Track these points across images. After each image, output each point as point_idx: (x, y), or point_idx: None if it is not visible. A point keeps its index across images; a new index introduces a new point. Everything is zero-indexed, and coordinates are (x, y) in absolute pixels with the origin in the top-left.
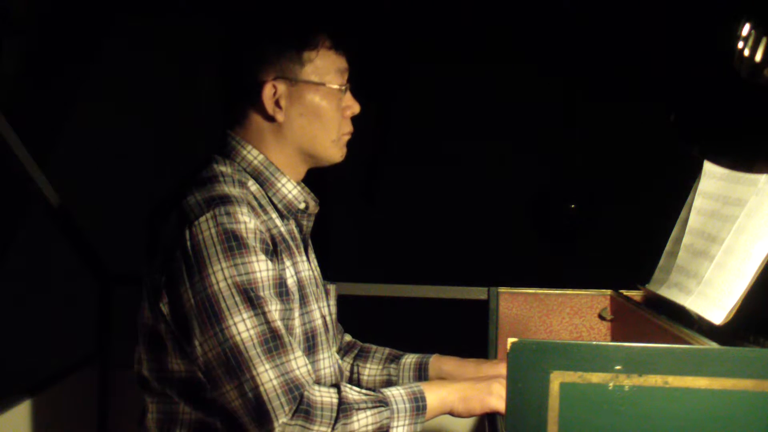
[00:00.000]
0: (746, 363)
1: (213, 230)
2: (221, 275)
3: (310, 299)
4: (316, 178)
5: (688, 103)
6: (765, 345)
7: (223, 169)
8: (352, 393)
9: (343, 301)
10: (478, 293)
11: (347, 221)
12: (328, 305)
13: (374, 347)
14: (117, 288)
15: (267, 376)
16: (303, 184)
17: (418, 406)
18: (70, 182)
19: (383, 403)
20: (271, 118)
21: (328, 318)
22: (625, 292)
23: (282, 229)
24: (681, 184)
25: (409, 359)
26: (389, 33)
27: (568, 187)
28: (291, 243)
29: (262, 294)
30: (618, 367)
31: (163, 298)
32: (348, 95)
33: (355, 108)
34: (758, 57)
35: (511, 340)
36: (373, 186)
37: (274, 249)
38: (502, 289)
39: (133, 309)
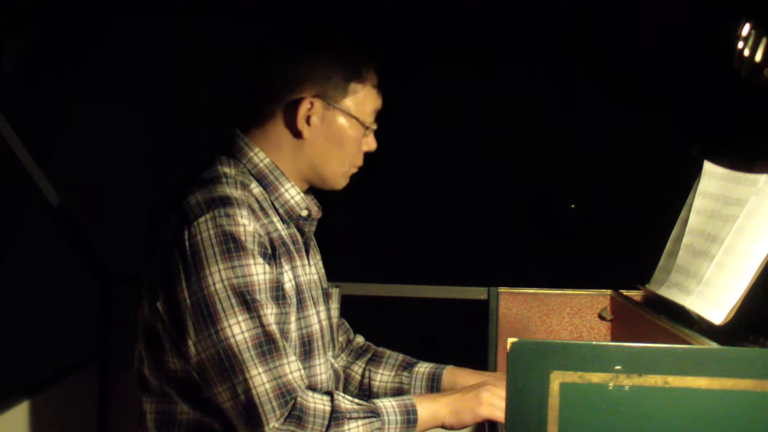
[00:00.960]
0: (746, 363)
1: (212, 231)
2: (218, 277)
3: (308, 304)
4: None
5: (688, 103)
6: (765, 345)
7: (226, 170)
8: (344, 402)
9: (343, 301)
10: (478, 293)
11: (348, 221)
12: (328, 309)
13: (388, 352)
14: (117, 288)
15: (260, 379)
16: (307, 192)
17: (410, 419)
18: (70, 182)
19: (375, 413)
20: (297, 132)
21: (325, 323)
22: (625, 292)
23: (283, 232)
24: (681, 184)
25: (423, 368)
26: (389, 33)
27: (568, 187)
28: (291, 247)
29: (258, 297)
30: (618, 367)
31: (160, 297)
32: (371, 134)
33: (373, 146)
34: (758, 57)
35: (511, 340)
36: (373, 186)
37: (272, 253)
38: (502, 289)
39: (133, 309)
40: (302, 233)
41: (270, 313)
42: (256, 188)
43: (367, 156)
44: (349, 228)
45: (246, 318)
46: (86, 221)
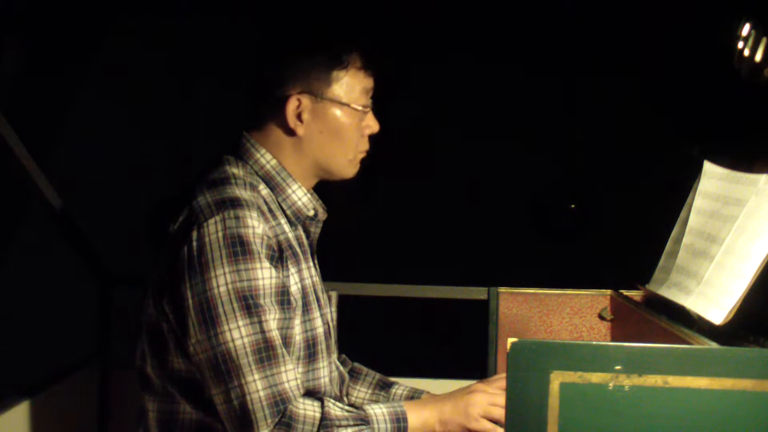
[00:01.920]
0: (746, 363)
1: (220, 233)
2: (222, 279)
3: (312, 306)
4: None
5: (688, 103)
6: (765, 345)
7: (235, 171)
8: (335, 409)
9: (343, 301)
10: (478, 293)
11: (347, 221)
12: (330, 312)
13: (365, 369)
14: (117, 288)
15: (255, 386)
16: (313, 192)
17: (400, 426)
18: (70, 182)
19: (365, 421)
20: (291, 131)
21: (330, 325)
22: (625, 292)
23: (290, 235)
24: (681, 184)
25: (400, 390)
26: (389, 33)
27: (568, 187)
28: (298, 249)
29: (261, 302)
30: (618, 367)
31: (166, 296)
32: (369, 114)
33: (375, 127)
34: (758, 57)
35: (511, 340)
36: (373, 186)
37: (280, 255)
38: (502, 289)
39: (133, 309)
40: (308, 235)
41: (272, 318)
42: (264, 189)
43: (367, 155)
44: (348, 228)
45: (247, 323)
46: (86, 221)
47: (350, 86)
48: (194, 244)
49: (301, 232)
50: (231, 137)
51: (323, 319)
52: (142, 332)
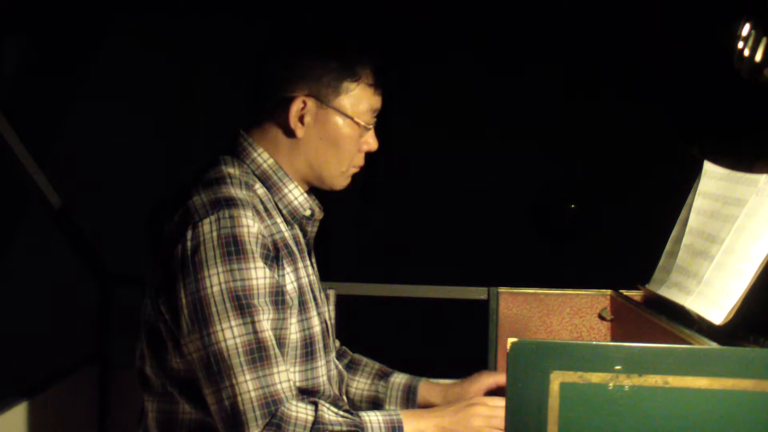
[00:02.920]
0: (746, 363)
1: (214, 233)
2: (216, 279)
3: (309, 305)
4: None
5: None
6: (765, 345)
7: (231, 170)
8: (328, 413)
9: (343, 301)
10: (478, 293)
11: (346, 221)
12: (329, 310)
13: (364, 360)
14: (117, 288)
15: (246, 386)
16: (309, 191)
17: None
18: (70, 182)
19: (359, 428)
20: (290, 132)
21: (327, 323)
22: (625, 292)
23: (286, 234)
24: (681, 184)
25: (398, 379)
26: (389, 33)
27: (568, 187)
28: (294, 248)
29: (254, 302)
30: (618, 367)
31: (162, 296)
32: (370, 132)
33: (374, 146)
34: (758, 57)
35: (511, 340)
36: (373, 186)
37: (275, 254)
38: (502, 289)
39: (133, 309)
40: (304, 234)
41: (266, 318)
42: (260, 189)
43: (367, 155)
44: (348, 228)
45: (239, 323)
46: (86, 221)
47: (357, 100)
48: (188, 243)
49: (297, 231)
50: (229, 137)
51: (320, 317)
52: (142, 332)
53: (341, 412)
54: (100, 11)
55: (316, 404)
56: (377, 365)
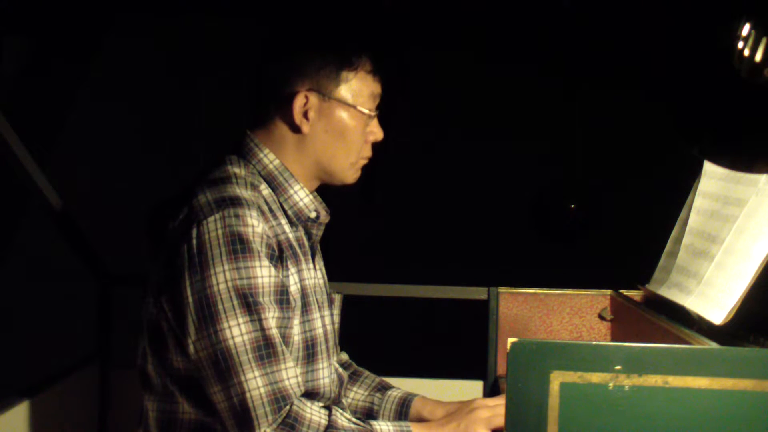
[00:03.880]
0: (746, 363)
1: (220, 231)
2: (222, 277)
3: (312, 307)
4: None
5: (688, 103)
6: (765, 345)
7: (236, 170)
8: (342, 419)
9: (343, 302)
10: (478, 293)
11: (347, 221)
12: (332, 314)
13: (366, 372)
14: (117, 288)
15: (255, 383)
16: (315, 194)
17: None
18: (70, 182)
19: None
20: (296, 128)
21: (330, 327)
22: (625, 292)
23: (290, 235)
24: (681, 184)
25: (395, 393)
26: (389, 31)
27: (568, 187)
28: (298, 250)
29: (260, 300)
30: (618, 367)
31: (165, 294)
32: (375, 121)
33: (379, 135)
34: (758, 57)
35: (511, 340)
36: (373, 186)
37: (279, 255)
38: (502, 289)
39: (133, 309)
40: (309, 237)
41: (272, 316)
42: (265, 189)
43: (369, 160)
44: (349, 228)
45: (246, 320)
46: (86, 221)
47: (358, 88)
48: (194, 241)
49: (302, 233)
50: (232, 137)
51: (323, 320)
52: (143, 331)
53: (354, 419)
54: (100, 11)
55: (330, 409)
56: (378, 379)
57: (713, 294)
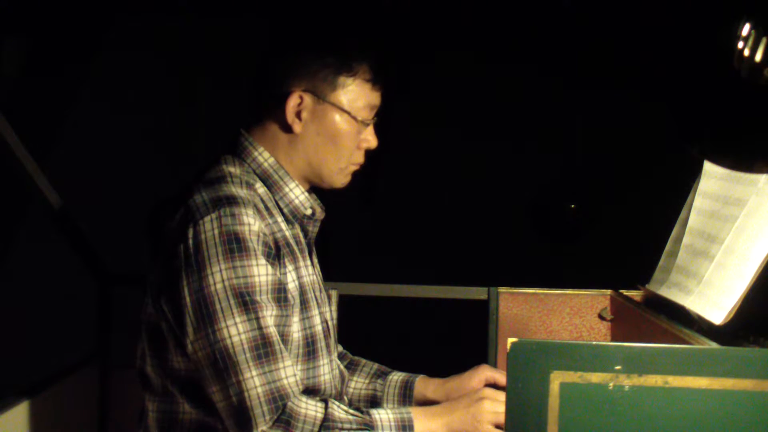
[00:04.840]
0: (746, 363)
1: (216, 231)
2: (219, 276)
3: (311, 304)
4: None
5: (688, 103)
6: (765, 345)
7: (231, 169)
8: (338, 411)
9: (343, 301)
10: (478, 293)
11: (347, 221)
12: (330, 310)
13: (363, 361)
14: (117, 288)
15: (253, 382)
16: (310, 191)
17: None
18: (70, 182)
19: (369, 426)
20: (288, 128)
21: (329, 323)
22: (625, 292)
23: (287, 233)
24: (681, 184)
25: (396, 376)
26: (389, 33)
27: (568, 187)
28: (295, 247)
29: (258, 299)
30: (618, 367)
31: (164, 295)
32: (369, 129)
33: (373, 143)
34: (758, 57)
35: (511, 340)
36: (373, 186)
37: (276, 252)
38: (502, 289)
39: (133, 309)
40: (305, 234)
41: (269, 315)
42: (260, 188)
43: (367, 155)
44: (348, 228)
45: (244, 320)
46: (86, 221)
47: (355, 96)
48: (190, 241)
49: (298, 230)
50: (230, 136)
51: (322, 317)
52: (142, 332)
53: (351, 410)
54: (100, 11)
55: (326, 401)
56: (376, 365)
57: (713, 294)
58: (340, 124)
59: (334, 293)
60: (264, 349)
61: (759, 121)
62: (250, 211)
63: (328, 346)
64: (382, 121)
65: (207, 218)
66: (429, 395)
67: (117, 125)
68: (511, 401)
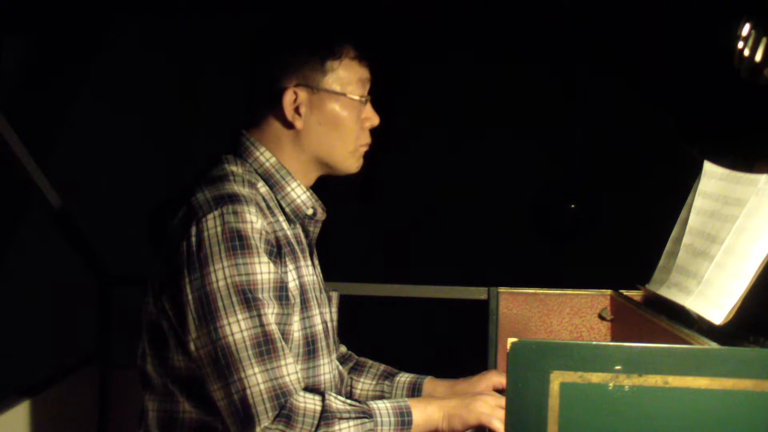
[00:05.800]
0: (746, 363)
1: (219, 228)
2: (221, 274)
3: (311, 304)
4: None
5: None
6: (765, 345)
7: (234, 168)
8: (336, 402)
9: (343, 301)
10: (478, 293)
11: (347, 221)
12: (330, 311)
13: (369, 362)
14: (117, 288)
15: (255, 379)
16: (311, 191)
17: (404, 420)
18: (70, 182)
19: (367, 414)
20: (289, 125)
21: (329, 324)
22: (625, 292)
23: (288, 232)
24: (681, 184)
25: (404, 378)
26: (389, 33)
27: (568, 187)
28: (296, 247)
29: (260, 296)
30: (618, 367)
31: (166, 293)
32: (368, 107)
33: (375, 120)
34: (758, 57)
35: (511, 340)
36: (373, 186)
37: (278, 251)
38: (502, 289)
39: (133, 309)
40: (306, 234)
41: (271, 312)
42: (262, 187)
43: (367, 155)
44: (348, 228)
45: (246, 317)
46: (86, 221)
47: (345, 76)
48: (193, 239)
49: (299, 230)
50: (231, 137)
51: (322, 317)
52: (143, 331)
53: (349, 401)
54: (100, 11)
55: (323, 394)
56: (383, 366)
57: (713, 294)
58: (339, 108)
59: (335, 295)
60: (266, 347)
61: (759, 121)
62: (253, 209)
63: (328, 346)
64: (383, 120)
65: (210, 216)
66: (439, 392)
67: (117, 125)
68: (511, 401)
